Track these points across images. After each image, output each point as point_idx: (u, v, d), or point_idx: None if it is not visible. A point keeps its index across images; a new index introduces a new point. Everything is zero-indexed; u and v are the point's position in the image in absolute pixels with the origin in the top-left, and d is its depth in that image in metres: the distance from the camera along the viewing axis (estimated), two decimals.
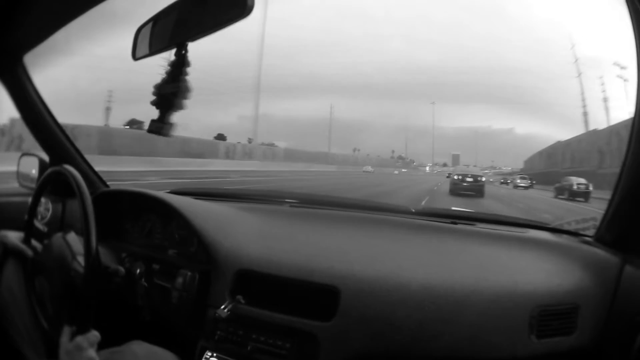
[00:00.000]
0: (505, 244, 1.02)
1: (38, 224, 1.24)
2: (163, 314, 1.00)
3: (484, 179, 14.81)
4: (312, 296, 0.86)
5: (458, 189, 13.36)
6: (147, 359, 0.86)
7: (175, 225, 1.12)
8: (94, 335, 0.72)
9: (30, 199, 0.99)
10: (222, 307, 0.87)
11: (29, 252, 0.97)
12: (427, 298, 0.82)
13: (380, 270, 0.88)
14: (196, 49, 0.78)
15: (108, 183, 1.40)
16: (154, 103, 0.76)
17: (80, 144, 1.38)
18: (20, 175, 1.38)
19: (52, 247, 0.92)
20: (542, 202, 12.37)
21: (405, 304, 0.82)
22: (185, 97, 0.75)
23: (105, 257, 0.99)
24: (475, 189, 13.34)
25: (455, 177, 14.33)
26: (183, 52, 0.76)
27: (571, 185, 14.47)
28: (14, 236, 1.00)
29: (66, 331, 0.73)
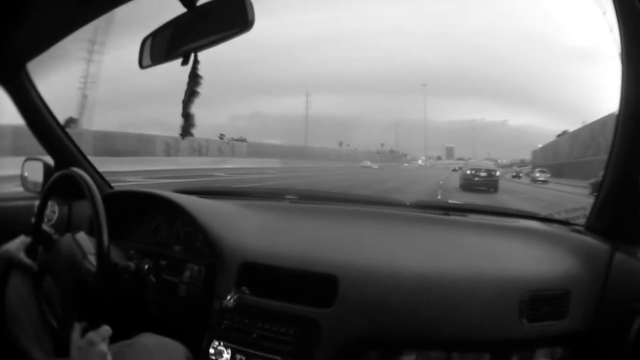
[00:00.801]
0: (496, 233, 1.08)
1: (45, 227, 1.27)
2: (171, 307, 1.05)
3: (498, 173, 14.02)
4: (313, 285, 0.91)
5: (471, 184, 12.61)
6: (157, 350, 0.89)
7: (181, 222, 1.16)
8: (106, 330, 0.73)
9: (36, 203, 1.01)
10: (228, 297, 0.91)
11: (34, 268, 0.97)
12: (419, 284, 0.88)
13: (376, 259, 0.94)
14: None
15: None
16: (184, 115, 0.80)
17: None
18: (24, 180, 1.40)
19: (62, 248, 0.93)
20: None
21: (399, 290, 0.88)
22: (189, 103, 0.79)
23: (115, 254, 1.02)
24: (490, 184, 12.63)
25: (468, 172, 13.45)
26: (192, 63, 0.79)
27: None
28: (17, 247, 1.00)
29: (77, 328, 0.74)
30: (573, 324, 0.87)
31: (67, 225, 1.14)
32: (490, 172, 13.32)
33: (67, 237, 0.95)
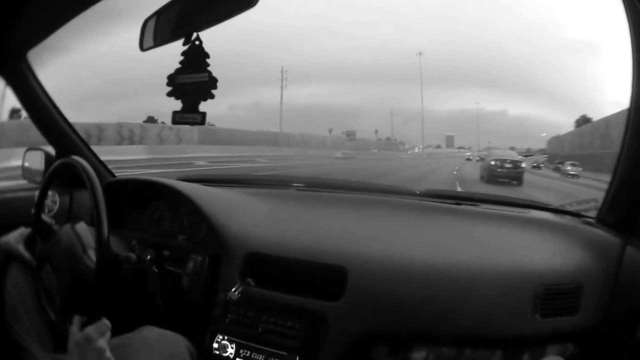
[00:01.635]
0: (508, 224, 1.05)
1: (45, 217, 1.25)
2: (173, 299, 1.02)
3: (524, 164, 13.08)
4: (321, 277, 0.88)
5: (495, 176, 11.69)
6: (158, 344, 0.86)
7: (184, 211, 1.13)
8: (105, 324, 0.71)
9: (36, 194, 1.00)
10: (233, 289, 0.89)
11: (33, 260, 0.95)
12: (431, 277, 0.84)
13: (386, 250, 0.91)
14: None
15: None
16: (171, 93, 0.78)
17: None
18: (25, 170, 1.38)
19: (61, 239, 0.91)
20: None
21: (411, 282, 0.84)
22: (213, 87, 0.77)
23: (116, 245, 1.00)
24: (515, 176, 11.77)
25: (493, 162, 12.35)
26: (198, 42, 0.77)
27: None
28: (16, 240, 0.98)
29: (76, 321, 0.72)
30: (584, 320, 0.85)
31: (68, 215, 1.11)
32: (515, 163, 12.33)
33: (66, 227, 0.93)
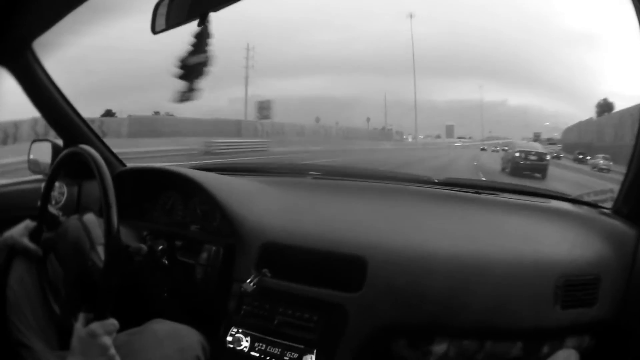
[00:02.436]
0: (528, 213, 1.03)
1: (52, 209, 1.22)
2: (186, 291, 1.00)
3: (549, 157, 12.43)
4: (339, 267, 0.86)
5: (520, 169, 11.09)
6: (168, 337, 0.83)
7: (198, 200, 1.11)
8: (112, 323, 0.68)
9: (43, 185, 0.97)
10: (248, 280, 0.86)
11: (39, 252, 0.92)
12: (453, 268, 0.82)
13: (406, 240, 0.88)
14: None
15: None
16: (179, 75, 0.76)
17: None
18: (32, 163, 1.36)
19: (68, 229, 0.88)
20: None
21: (432, 273, 0.82)
22: (208, 66, 0.76)
23: (126, 236, 0.97)
24: (540, 169, 11.14)
25: (517, 154, 11.70)
26: (206, 23, 0.76)
27: None
28: (20, 233, 0.94)
29: (82, 317, 0.68)
30: (601, 312, 0.84)
31: (76, 207, 1.09)
32: (540, 155, 11.68)
33: (74, 218, 0.90)
